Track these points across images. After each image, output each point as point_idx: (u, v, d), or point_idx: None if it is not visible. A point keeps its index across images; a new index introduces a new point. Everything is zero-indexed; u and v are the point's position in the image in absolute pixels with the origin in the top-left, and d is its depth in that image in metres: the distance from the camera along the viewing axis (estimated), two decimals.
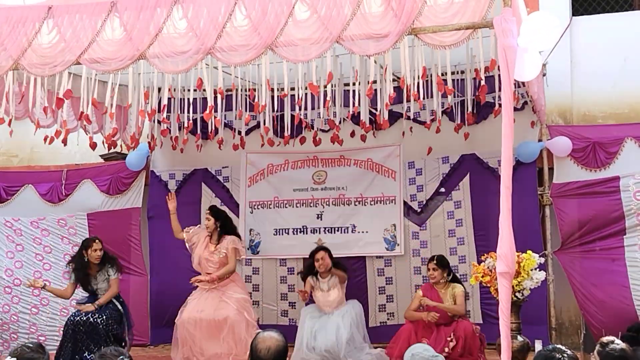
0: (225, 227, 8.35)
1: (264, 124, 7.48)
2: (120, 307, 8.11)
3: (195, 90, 6.94)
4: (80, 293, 8.42)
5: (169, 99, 7.52)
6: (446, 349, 7.21)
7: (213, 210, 8.48)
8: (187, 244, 8.41)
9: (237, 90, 7.81)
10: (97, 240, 8.20)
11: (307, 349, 7.92)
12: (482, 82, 6.71)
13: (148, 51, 6.23)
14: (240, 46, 6.07)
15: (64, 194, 9.94)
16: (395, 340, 7.64)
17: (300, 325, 8.20)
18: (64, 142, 7.75)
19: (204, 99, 6.96)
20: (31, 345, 4.12)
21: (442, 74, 6.43)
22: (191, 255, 8.42)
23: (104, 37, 6.38)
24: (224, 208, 9.70)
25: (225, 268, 8.11)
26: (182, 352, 7.95)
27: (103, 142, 8.17)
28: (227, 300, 7.97)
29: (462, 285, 7.86)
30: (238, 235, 8.48)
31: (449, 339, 7.32)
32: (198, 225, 8.65)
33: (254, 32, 6.02)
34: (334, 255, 8.41)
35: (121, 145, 8.84)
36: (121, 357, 3.92)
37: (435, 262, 7.76)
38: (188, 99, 7.56)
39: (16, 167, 10.63)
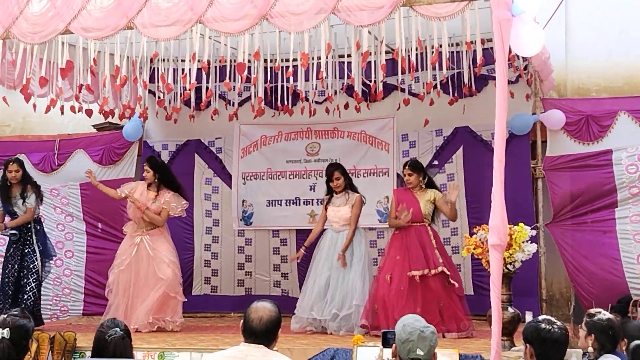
0: (164, 179, 8.21)
1: (257, 94, 7.44)
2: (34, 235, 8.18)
3: (184, 60, 6.89)
4: None
5: (157, 68, 7.46)
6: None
7: (152, 162, 8.28)
8: (128, 197, 8.24)
9: (230, 61, 7.77)
10: (13, 162, 8.28)
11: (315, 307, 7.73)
12: (480, 55, 6.70)
13: (137, 19, 6.18)
14: (234, 15, 6.02)
15: (56, 163, 9.92)
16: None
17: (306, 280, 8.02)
18: (61, 110, 7.82)
19: (198, 70, 6.92)
20: (15, 312, 4.17)
21: (440, 46, 6.40)
22: (126, 206, 8.33)
23: (94, 5, 6.33)
24: (217, 179, 9.75)
25: (157, 217, 8.04)
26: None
27: (108, 113, 8.15)
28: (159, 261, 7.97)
29: (439, 190, 7.75)
30: (179, 189, 8.34)
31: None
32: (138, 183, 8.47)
33: (247, 2, 5.98)
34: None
35: (115, 114, 8.82)
36: (115, 329, 4.00)
37: (408, 167, 7.65)
38: (183, 69, 7.52)
39: (8, 137, 10.58)
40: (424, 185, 7.61)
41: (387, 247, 7.73)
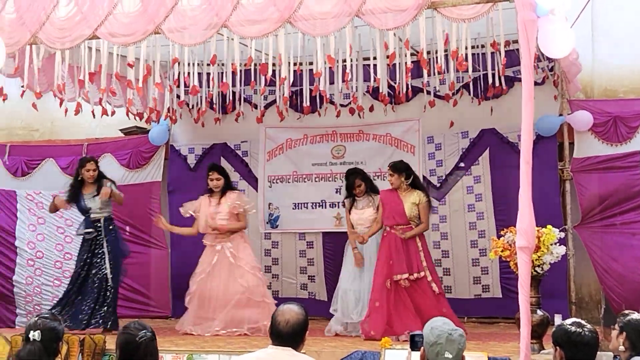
0: (229, 183, 8.26)
1: (283, 94, 7.46)
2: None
3: (208, 64, 6.92)
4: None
5: (188, 73, 7.51)
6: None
7: (219, 169, 8.28)
8: (194, 215, 8.26)
9: (255, 64, 7.80)
10: (91, 161, 8.30)
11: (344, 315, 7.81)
12: (503, 56, 6.66)
13: (164, 24, 6.22)
14: (257, 19, 6.05)
15: None
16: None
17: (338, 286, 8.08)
18: (93, 113, 7.96)
19: (221, 74, 6.96)
20: (46, 315, 4.19)
21: (465, 48, 6.38)
22: (195, 221, 8.25)
23: (121, 10, 6.38)
24: (243, 182, 9.76)
25: (238, 224, 8.06)
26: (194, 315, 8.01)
27: (135, 116, 8.20)
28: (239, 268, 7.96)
29: (425, 192, 7.71)
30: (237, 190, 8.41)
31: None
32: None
33: (270, 4, 6.00)
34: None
35: (140, 116, 8.90)
36: (144, 331, 3.93)
37: (389, 167, 7.69)
38: (208, 73, 7.58)
39: (37, 141, 10.70)
40: (409, 186, 7.60)
41: (378, 250, 7.72)
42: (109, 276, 8.03)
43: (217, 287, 7.96)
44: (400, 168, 7.65)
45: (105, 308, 7.97)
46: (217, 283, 7.96)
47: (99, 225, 8.17)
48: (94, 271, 8.06)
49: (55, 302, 8.54)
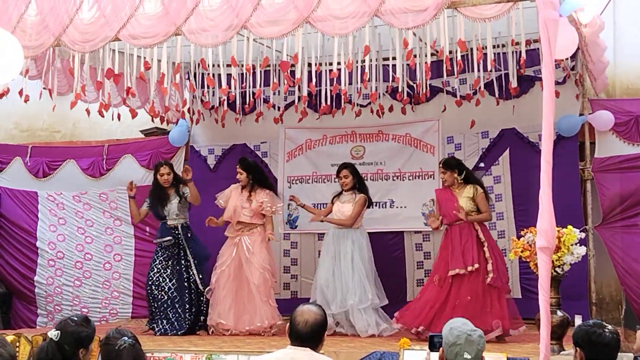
0: (258, 179, 8.25)
1: (301, 93, 7.49)
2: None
3: (229, 65, 6.95)
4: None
5: (208, 73, 7.55)
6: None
7: (243, 163, 8.30)
8: (223, 204, 8.31)
9: (274, 65, 7.82)
10: (164, 165, 8.34)
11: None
12: (523, 55, 6.62)
13: (184, 26, 6.26)
14: (276, 19, 6.06)
15: (105, 168, 10.06)
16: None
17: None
18: (119, 117, 8.07)
19: (241, 75, 6.99)
20: (76, 318, 4.14)
21: (483, 47, 6.36)
22: (224, 210, 8.28)
23: (142, 12, 6.43)
24: None
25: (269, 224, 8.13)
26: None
27: (154, 116, 8.35)
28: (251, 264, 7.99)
29: (481, 185, 7.64)
30: (272, 187, 8.41)
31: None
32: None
33: (290, 5, 6.01)
34: (373, 230, 8.42)
35: (161, 119, 8.95)
36: (123, 338, 3.93)
37: (441, 165, 7.64)
38: (228, 74, 7.61)
39: (58, 142, 10.77)
40: (462, 182, 7.54)
41: (439, 247, 7.74)
42: (199, 282, 8.17)
43: (233, 280, 8.02)
44: (452, 164, 7.59)
45: (203, 316, 8.19)
46: (234, 276, 8.02)
47: (177, 232, 8.24)
48: (185, 278, 8.15)
49: (75, 302, 8.61)
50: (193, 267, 8.19)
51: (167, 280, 8.20)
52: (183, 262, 8.21)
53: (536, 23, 5.31)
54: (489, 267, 7.26)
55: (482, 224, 7.51)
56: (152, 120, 8.93)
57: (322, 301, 7.78)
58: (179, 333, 7.98)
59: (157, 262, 8.30)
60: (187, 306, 8.12)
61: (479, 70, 7.31)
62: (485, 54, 6.35)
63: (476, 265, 7.22)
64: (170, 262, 8.23)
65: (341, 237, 8.02)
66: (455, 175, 7.51)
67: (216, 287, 8.11)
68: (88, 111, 7.76)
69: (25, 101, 7.25)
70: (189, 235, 8.32)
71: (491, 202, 8.85)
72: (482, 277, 7.24)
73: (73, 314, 4.32)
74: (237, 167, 8.27)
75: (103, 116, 7.73)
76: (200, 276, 8.22)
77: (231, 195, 8.24)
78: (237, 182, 8.30)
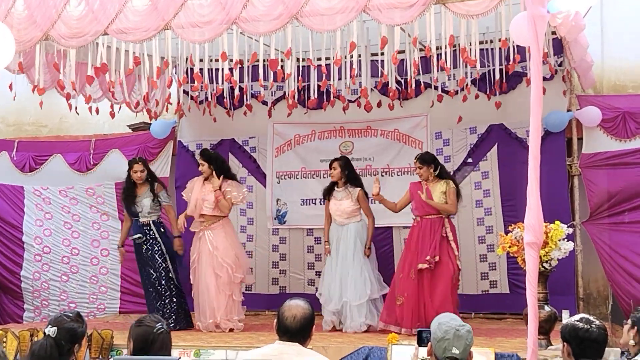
0: (220, 170, 8.09)
1: (290, 88, 7.47)
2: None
3: (217, 59, 6.94)
4: None
5: (193, 68, 7.54)
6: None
7: (205, 154, 8.21)
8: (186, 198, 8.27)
9: (263, 60, 7.80)
10: (138, 162, 8.29)
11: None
12: (515, 52, 6.62)
13: (173, 21, 6.24)
14: (265, 15, 6.05)
15: (92, 163, 10.02)
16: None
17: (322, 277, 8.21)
18: (112, 115, 8.06)
19: (231, 69, 6.97)
20: (70, 314, 4.13)
21: (470, 44, 6.36)
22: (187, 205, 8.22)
23: (131, 7, 6.40)
24: (251, 178, 9.76)
25: (225, 204, 7.99)
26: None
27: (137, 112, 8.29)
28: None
29: (454, 181, 7.73)
30: (234, 177, 8.30)
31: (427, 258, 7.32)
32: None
33: (278, 1, 6.00)
34: None
35: (149, 114, 8.91)
36: (160, 323, 3.90)
37: (417, 160, 7.68)
38: (216, 69, 7.58)
39: (45, 137, 10.72)
40: (436, 177, 7.59)
41: (406, 239, 7.79)
42: (174, 277, 8.15)
43: (201, 275, 7.97)
44: (427, 160, 7.65)
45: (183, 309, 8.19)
46: (202, 270, 7.97)
47: (148, 229, 8.18)
48: (164, 275, 8.11)
49: (62, 297, 8.56)
50: (169, 262, 8.14)
51: (146, 276, 8.17)
52: (158, 257, 8.13)
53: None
54: (458, 262, 7.39)
55: (451, 221, 7.59)
56: (136, 115, 8.90)
57: (329, 296, 7.83)
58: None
59: (137, 259, 8.29)
60: (168, 300, 8.06)
61: (466, 67, 7.32)
62: (473, 50, 6.36)
63: (437, 258, 7.31)
64: (146, 259, 8.16)
65: (343, 231, 7.95)
66: (431, 170, 7.58)
67: (193, 284, 8.09)
68: (71, 106, 7.73)
69: (14, 98, 7.21)
70: (162, 230, 8.25)
71: (479, 197, 8.94)
72: (449, 271, 7.33)
73: (66, 310, 4.31)
74: (199, 158, 8.21)
75: (98, 113, 7.72)
76: (173, 272, 8.16)
77: (193, 188, 8.14)
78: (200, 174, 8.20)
